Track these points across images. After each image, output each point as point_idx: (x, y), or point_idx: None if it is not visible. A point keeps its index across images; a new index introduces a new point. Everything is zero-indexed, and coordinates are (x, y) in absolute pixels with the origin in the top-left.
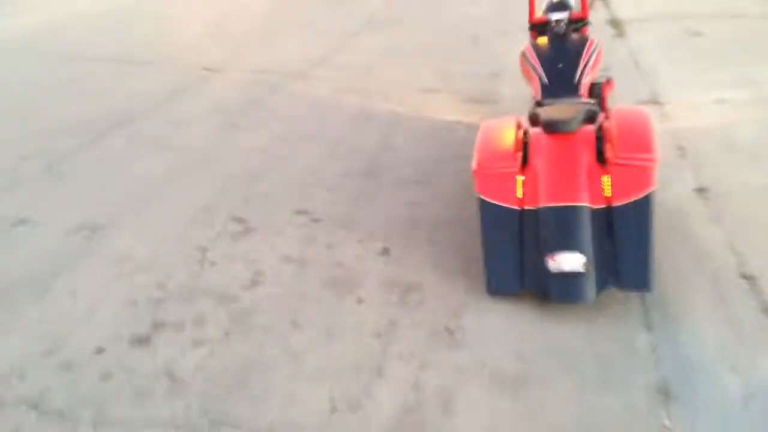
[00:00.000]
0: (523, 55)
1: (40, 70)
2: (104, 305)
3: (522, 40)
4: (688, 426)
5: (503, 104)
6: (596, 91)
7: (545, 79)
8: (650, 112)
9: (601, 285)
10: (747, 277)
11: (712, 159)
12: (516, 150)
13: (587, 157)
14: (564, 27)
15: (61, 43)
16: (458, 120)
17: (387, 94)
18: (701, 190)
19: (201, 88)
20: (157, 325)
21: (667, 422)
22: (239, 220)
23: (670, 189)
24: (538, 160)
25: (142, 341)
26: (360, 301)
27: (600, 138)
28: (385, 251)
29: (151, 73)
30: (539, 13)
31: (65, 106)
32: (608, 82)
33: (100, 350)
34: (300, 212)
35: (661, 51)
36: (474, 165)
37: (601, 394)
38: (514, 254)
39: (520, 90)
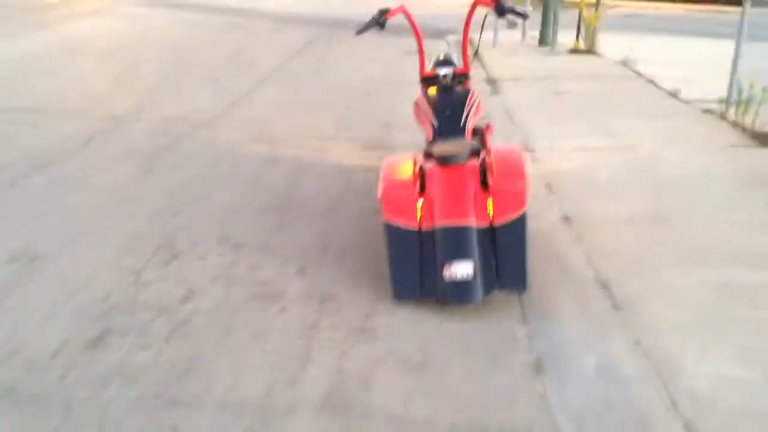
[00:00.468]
0: (416, 103)
1: None
2: (52, 318)
3: (407, 94)
4: (558, 392)
5: (392, 150)
6: (479, 133)
7: (436, 123)
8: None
9: (487, 288)
10: (601, 284)
11: (575, 195)
12: (414, 180)
13: (473, 184)
14: (450, 80)
15: None
16: (357, 164)
17: (291, 142)
18: (566, 219)
19: (113, 135)
20: (105, 332)
21: (541, 389)
22: (167, 247)
23: (540, 218)
24: (432, 188)
25: (93, 345)
26: (283, 309)
27: (483, 170)
28: (302, 270)
29: (64, 121)
30: (428, 69)
31: None
32: (488, 126)
33: (55, 354)
34: (222, 240)
35: (531, 106)
36: (379, 193)
37: (490, 372)
38: (414, 266)
39: (410, 138)
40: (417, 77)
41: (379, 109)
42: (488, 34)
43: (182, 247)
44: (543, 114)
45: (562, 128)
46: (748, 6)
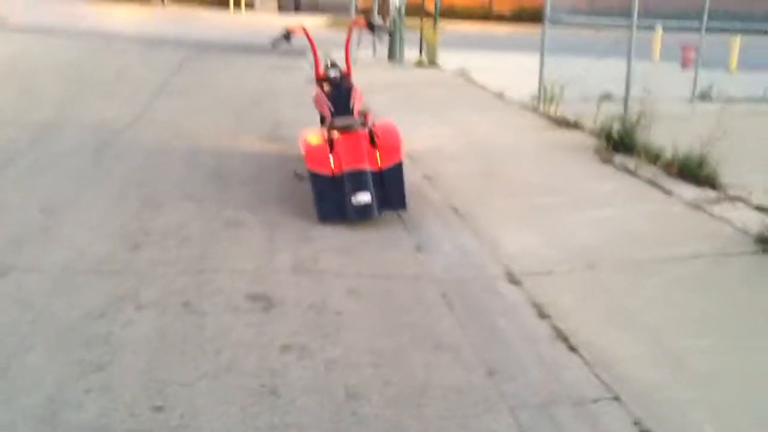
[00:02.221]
0: (316, 95)
1: None
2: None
3: (284, 101)
4: (430, 260)
5: (288, 141)
6: (362, 114)
7: (332, 108)
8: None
9: (380, 209)
10: (452, 208)
11: (431, 162)
12: (325, 143)
13: (366, 144)
14: (339, 78)
15: None
16: (263, 151)
17: (205, 138)
18: (426, 176)
19: (50, 138)
20: (138, 245)
21: (420, 258)
22: (148, 202)
23: (409, 176)
24: (339, 147)
25: (134, 249)
26: (249, 230)
27: (371, 135)
28: (252, 211)
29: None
30: (321, 71)
31: None
32: (367, 112)
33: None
34: (186, 197)
35: (389, 106)
36: (303, 154)
37: (388, 252)
38: (332, 198)
39: (297, 132)
40: (288, 87)
41: (267, 112)
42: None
43: (160, 202)
44: (400, 112)
45: (415, 121)
46: (546, 26)
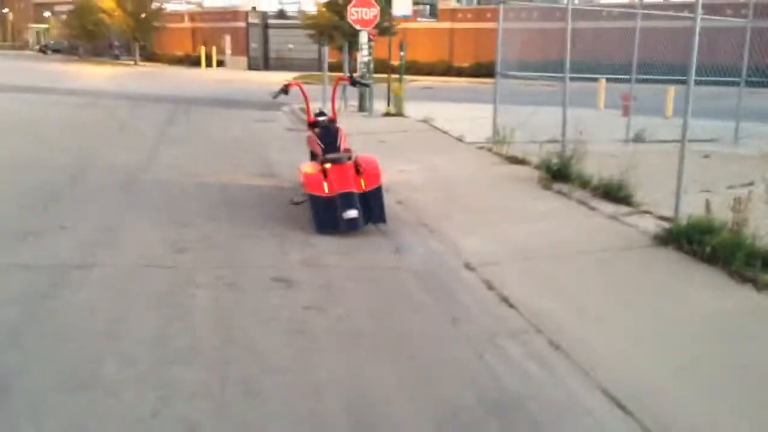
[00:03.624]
0: (309, 137)
1: None
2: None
3: (272, 147)
4: (406, 260)
5: (278, 177)
6: (348, 151)
7: (323, 146)
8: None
9: (365, 222)
10: (422, 224)
11: (402, 192)
12: (320, 172)
13: (352, 172)
14: (327, 122)
15: None
16: (260, 184)
17: (208, 176)
18: (399, 202)
19: (82, 178)
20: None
21: (397, 258)
22: (194, 220)
23: (386, 201)
24: (331, 175)
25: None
26: (262, 239)
27: (356, 166)
28: (261, 227)
29: (29, 173)
30: (312, 117)
31: None
32: (351, 148)
33: None
34: (212, 219)
35: (362, 150)
36: (303, 180)
37: (373, 254)
38: (327, 214)
39: (286, 170)
40: (270, 135)
41: (256, 155)
42: (318, 104)
43: (186, 223)
44: (373, 153)
45: (388, 161)
46: (498, 79)
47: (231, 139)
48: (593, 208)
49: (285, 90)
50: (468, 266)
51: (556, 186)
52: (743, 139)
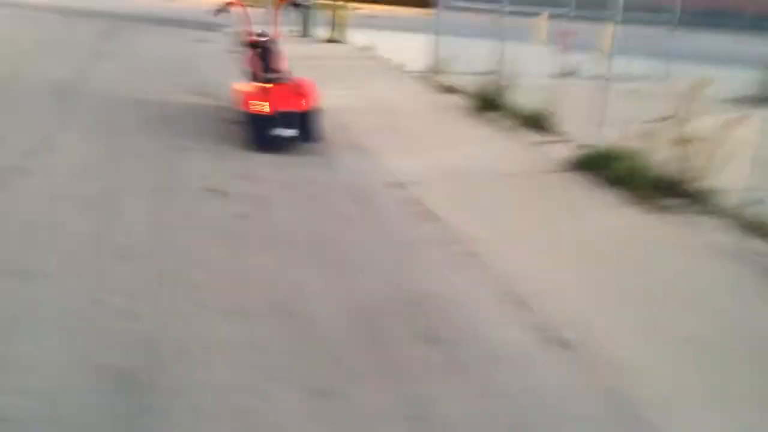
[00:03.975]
0: (248, 56)
1: None
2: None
3: (211, 65)
4: (337, 172)
5: (215, 96)
6: (287, 71)
7: (263, 66)
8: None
9: (303, 141)
10: (357, 146)
11: (339, 115)
12: (260, 90)
13: (291, 92)
14: (267, 42)
15: None
16: (196, 102)
17: (144, 92)
18: (336, 125)
19: (12, 88)
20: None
21: (329, 172)
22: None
23: (327, 124)
24: (271, 94)
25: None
26: (204, 151)
27: (294, 86)
28: (198, 141)
29: None
30: (253, 38)
31: None
32: (290, 69)
33: None
34: (142, 132)
35: (308, 74)
36: (242, 98)
37: (309, 168)
38: (264, 131)
39: (224, 90)
40: (208, 54)
41: (194, 74)
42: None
43: (122, 133)
44: (313, 77)
45: (327, 85)
46: (440, 10)
47: (169, 57)
48: (520, 136)
49: (225, 8)
50: (398, 184)
51: (488, 115)
52: (672, 78)
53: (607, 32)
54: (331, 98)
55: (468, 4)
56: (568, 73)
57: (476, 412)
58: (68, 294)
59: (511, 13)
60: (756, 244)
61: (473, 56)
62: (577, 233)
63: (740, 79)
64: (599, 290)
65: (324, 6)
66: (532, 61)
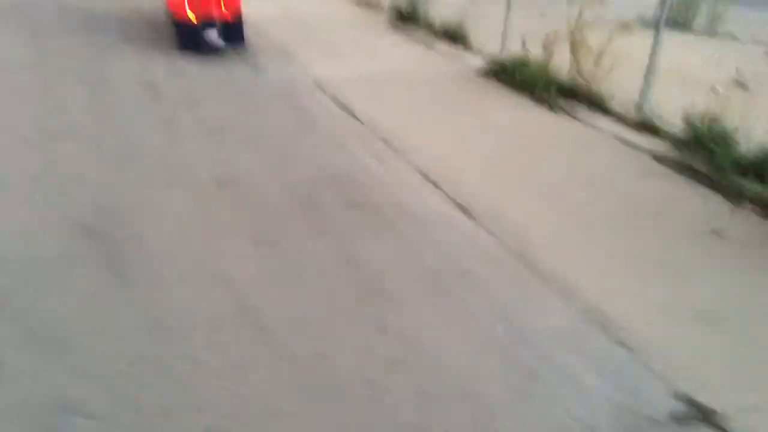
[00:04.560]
0: None
1: None
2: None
3: None
4: (263, 77)
5: (145, 8)
6: None
7: None
8: None
9: (228, 46)
10: (278, 52)
11: (261, 25)
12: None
13: (218, 4)
14: None
15: None
16: (125, 12)
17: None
18: (258, 34)
19: None
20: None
21: (254, 75)
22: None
23: (249, 31)
24: (197, 3)
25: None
26: (126, 54)
27: None
28: (128, 45)
29: None
30: None
31: None
32: None
33: None
34: (76, 33)
35: None
36: (171, 9)
37: (236, 71)
38: (190, 37)
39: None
40: None
41: None
42: None
43: (57, 34)
44: None
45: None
46: None
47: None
48: (433, 47)
49: None
50: (318, 85)
51: (405, 29)
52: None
53: None
54: (251, 9)
55: None
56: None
57: (392, 256)
58: (20, 166)
59: None
60: (636, 137)
61: None
62: (484, 128)
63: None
64: (497, 170)
65: None
66: None
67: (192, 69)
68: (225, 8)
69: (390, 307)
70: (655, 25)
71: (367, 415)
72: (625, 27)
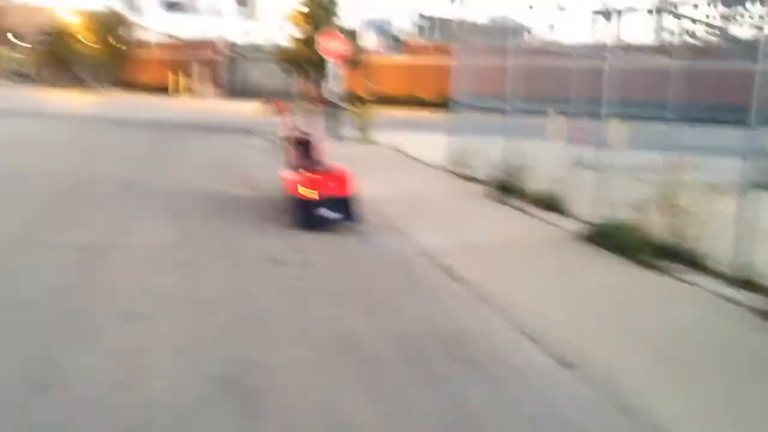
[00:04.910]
0: (287, 149)
1: None
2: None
3: (248, 164)
4: (370, 245)
5: (263, 188)
6: (323, 161)
7: (299, 155)
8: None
9: (344, 221)
10: (388, 226)
11: (370, 202)
12: (304, 178)
13: (328, 178)
14: (303, 136)
15: None
16: (245, 193)
17: (201, 185)
18: (368, 210)
19: (97, 182)
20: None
21: (365, 245)
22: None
23: (361, 207)
24: (311, 181)
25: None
26: (250, 235)
27: (330, 173)
28: (256, 227)
29: (62, 177)
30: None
31: None
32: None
33: None
34: (215, 216)
35: None
36: (289, 186)
37: (351, 243)
38: (309, 213)
39: (264, 179)
40: (246, 154)
41: (238, 171)
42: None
43: (189, 216)
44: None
45: (359, 177)
46: (453, 113)
47: (216, 158)
48: (529, 214)
49: (269, 104)
50: (423, 252)
51: (503, 199)
52: (670, 166)
53: (615, 127)
54: (363, 188)
55: (481, 104)
56: (578, 164)
57: (493, 404)
58: (176, 334)
59: (517, 111)
60: (732, 292)
61: (488, 150)
62: (580, 286)
63: (732, 167)
64: (597, 326)
65: (353, 109)
66: (544, 154)
67: (311, 243)
68: (338, 186)
69: None
70: (747, 186)
71: None
72: (713, 188)
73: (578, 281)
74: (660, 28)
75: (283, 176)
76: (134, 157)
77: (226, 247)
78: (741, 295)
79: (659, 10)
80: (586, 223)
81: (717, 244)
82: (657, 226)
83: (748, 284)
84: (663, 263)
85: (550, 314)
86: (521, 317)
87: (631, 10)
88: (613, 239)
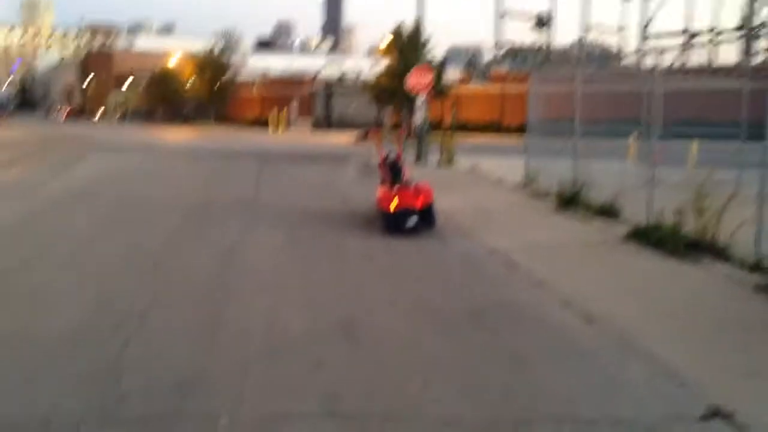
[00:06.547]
0: (381, 170)
1: None
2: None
3: (344, 186)
4: (449, 249)
5: (356, 203)
6: (410, 180)
7: (392, 175)
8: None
9: (423, 227)
10: (463, 233)
11: (449, 214)
12: (391, 193)
13: (413, 193)
14: (394, 160)
15: None
16: (342, 207)
17: (304, 204)
18: (446, 220)
19: (219, 203)
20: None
21: (442, 249)
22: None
23: (439, 218)
24: (399, 196)
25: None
26: (347, 239)
27: (416, 189)
28: (352, 232)
29: (184, 201)
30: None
31: None
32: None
33: None
34: (321, 223)
35: None
36: (381, 201)
37: (429, 247)
38: (394, 222)
39: (360, 198)
40: (341, 179)
41: (335, 191)
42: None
43: (300, 225)
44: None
45: (438, 194)
46: (529, 137)
47: (315, 181)
48: (588, 222)
49: (365, 135)
50: (492, 252)
51: (567, 211)
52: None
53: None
54: (441, 203)
55: (553, 128)
56: (649, 182)
57: (531, 348)
58: (303, 298)
59: (588, 134)
60: (742, 274)
61: (557, 170)
62: (620, 275)
63: None
64: (623, 299)
65: (435, 137)
66: (615, 173)
67: (397, 245)
68: (422, 200)
69: None
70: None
71: None
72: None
73: (615, 268)
74: (748, 50)
75: (377, 193)
76: (244, 183)
77: (329, 246)
78: (750, 277)
79: (750, 35)
80: (633, 226)
81: (739, 239)
82: (690, 225)
83: (757, 268)
84: (692, 255)
85: (585, 290)
86: (564, 292)
87: (719, 33)
88: (653, 237)
